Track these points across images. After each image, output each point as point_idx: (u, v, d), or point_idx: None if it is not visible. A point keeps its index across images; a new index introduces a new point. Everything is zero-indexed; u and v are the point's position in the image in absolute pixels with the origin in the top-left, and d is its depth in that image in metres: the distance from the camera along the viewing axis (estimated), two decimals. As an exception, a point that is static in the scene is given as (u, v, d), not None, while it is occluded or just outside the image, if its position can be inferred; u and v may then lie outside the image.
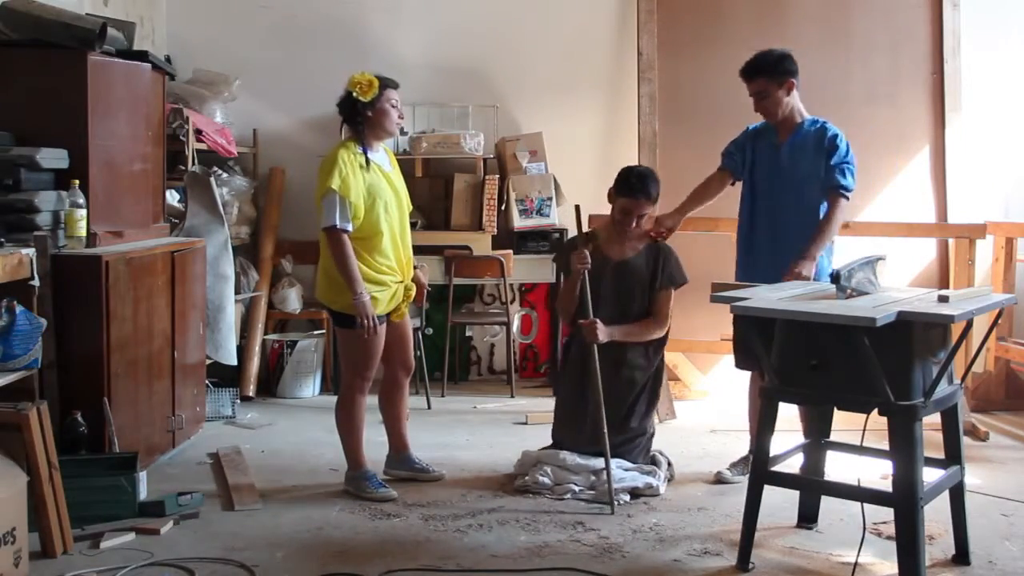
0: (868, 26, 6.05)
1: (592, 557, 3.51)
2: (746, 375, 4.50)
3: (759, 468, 3.45)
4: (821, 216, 4.24)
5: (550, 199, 6.06)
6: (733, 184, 4.50)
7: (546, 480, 4.18)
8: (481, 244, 6.01)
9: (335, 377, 5.94)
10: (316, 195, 4.00)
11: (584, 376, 4.30)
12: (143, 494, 3.93)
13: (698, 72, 6.04)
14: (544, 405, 5.54)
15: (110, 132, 4.28)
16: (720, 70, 5.97)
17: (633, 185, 4.28)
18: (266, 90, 6.29)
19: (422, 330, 5.82)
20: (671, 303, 4.40)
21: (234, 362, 5.43)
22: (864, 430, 3.29)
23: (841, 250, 4.43)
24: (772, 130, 4.37)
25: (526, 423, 5.37)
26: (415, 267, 4.29)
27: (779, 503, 3.82)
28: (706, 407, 5.72)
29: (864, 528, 3.31)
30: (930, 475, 3.33)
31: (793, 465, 3.87)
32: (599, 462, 4.20)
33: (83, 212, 4.03)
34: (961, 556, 3.49)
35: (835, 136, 4.25)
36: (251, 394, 5.83)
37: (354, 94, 4.01)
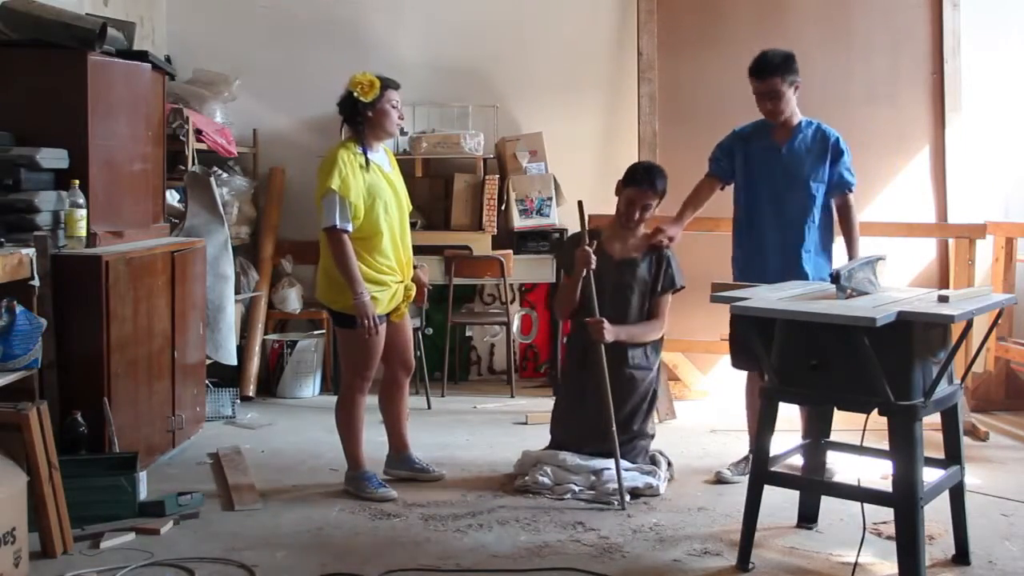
0: (868, 26, 6.04)
1: (592, 557, 3.51)
2: (745, 375, 4.51)
3: (759, 468, 3.45)
4: (820, 212, 4.32)
5: (550, 199, 6.06)
6: (723, 188, 4.50)
7: (546, 480, 4.19)
8: (481, 244, 6.01)
9: (335, 377, 5.94)
10: (316, 195, 4.00)
11: (584, 376, 4.30)
12: (143, 494, 3.93)
13: (698, 72, 6.04)
14: (544, 405, 5.53)
15: (110, 132, 4.28)
16: (720, 70, 5.99)
17: (640, 176, 4.33)
18: (266, 90, 6.29)
19: (422, 330, 5.82)
20: (669, 304, 4.43)
21: (234, 362, 5.43)
22: (864, 430, 3.29)
23: (841, 250, 4.43)
24: (766, 131, 4.37)
25: (526, 423, 5.37)
26: (415, 267, 4.29)
27: (779, 503, 3.82)
28: (706, 407, 5.72)
29: (864, 528, 3.31)
30: (930, 475, 3.33)
31: (793, 465, 3.88)
32: (599, 462, 4.20)
33: (83, 212, 4.02)
34: (961, 556, 3.49)
35: (838, 139, 4.35)
36: (251, 394, 5.83)
37: (355, 94, 4.01)
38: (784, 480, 3.59)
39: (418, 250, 4.54)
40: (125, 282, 4.10)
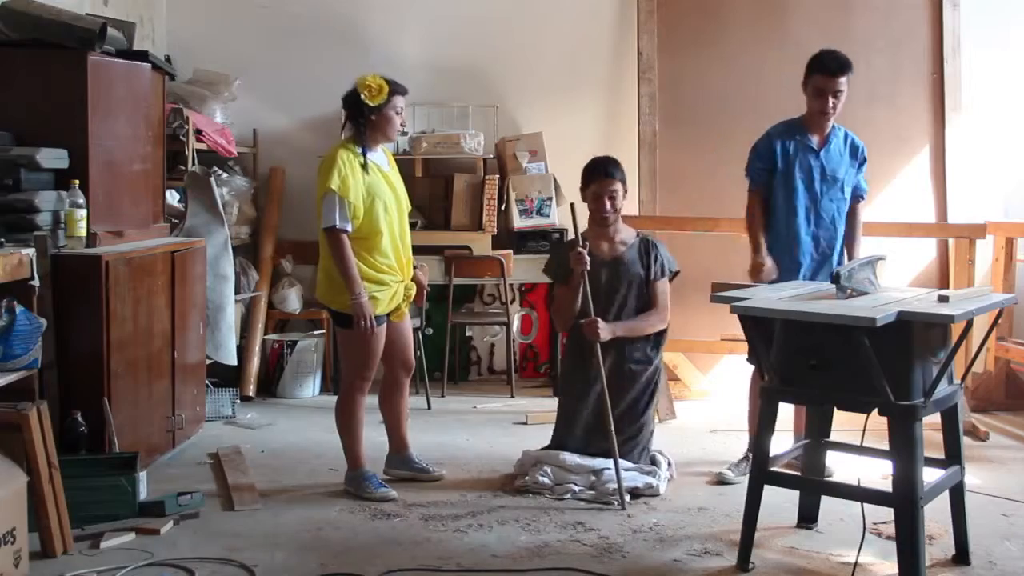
0: (868, 26, 6.04)
1: (592, 557, 3.52)
2: (746, 374, 4.51)
3: (759, 468, 3.45)
4: (845, 212, 4.42)
5: (550, 199, 6.06)
6: (758, 191, 4.44)
7: (546, 480, 4.19)
8: (481, 244, 6.01)
9: (335, 377, 5.94)
10: (316, 195, 4.00)
11: (583, 376, 4.30)
12: (143, 494, 3.93)
13: (698, 72, 6.04)
14: (544, 405, 5.54)
15: (110, 132, 4.28)
16: (720, 70, 5.99)
17: (594, 169, 4.34)
18: (266, 90, 6.29)
19: (422, 330, 5.82)
20: (668, 292, 4.42)
21: (234, 362, 5.43)
22: (864, 430, 3.29)
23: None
24: (802, 131, 4.39)
25: (526, 423, 5.37)
26: (415, 267, 4.29)
27: (779, 503, 3.82)
28: (706, 407, 5.72)
29: (864, 528, 3.31)
30: (930, 475, 3.33)
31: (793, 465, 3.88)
32: (599, 462, 4.20)
33: (83, 212, 4.02)
34: (961, 556, 3.49)
35: (864, 148, 4.48)
36: (251, 394, 5.83)
37: (362, 96, 3.99)
38: (784, 480, 3.59)
39: (418, 250, 4.54)
40: (125, 282, 4.10)
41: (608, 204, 4.30)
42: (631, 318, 4.35)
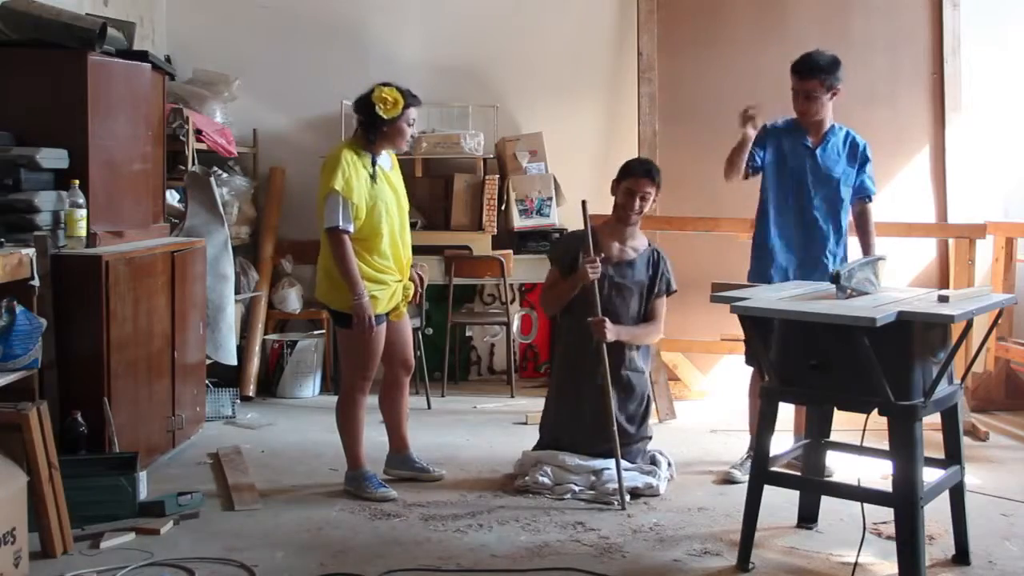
0: (868, 26, 6.04)
1: (592, 557, 3.52)
2: (746, 374, 4.51)
3: (759, 468, 3.45)
4: (847, 215, 4.42)
5: (550, 199, 6.06)
6: (747, 178, 4.46)
7: (546, 480, 4.19)
8: (481, 244, 6.01)
9: (335, 377, 5.94)
10: (318, 195, 4.00)
11: (578, 376, 4.30)
12: (143, 494, 3.93)
13: (698, 72, 6.04)
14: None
15: (110, 132, 4.28)
16: (720, 70, 5.99)
17: (637, 167, 4.36)
18: (266, 90, 6.29)
19: (422, 330, 5.83)
20: (664, 309, 4.44)
21: (234, 362, 5.43)
22: (864, 430, 3.29)
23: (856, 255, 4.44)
24: (801, 129, 4.41)
25: (526, 423, 5.36)
26: (413, 266, 4.30)
27: (779, 503, 3.82)
28: (706, 407, 5.72)
29: (864, 528, 3.31)
30: (930, 475, 3.33)
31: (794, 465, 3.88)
32: (599, 462, 4.20)
33: (83, 212, 4.02)
34: (961, 556, 3.49)
35: (866, 147, 4.45)
36: (251, 394, 5.83)
37: (377, 109, 3.99)
38: (784, 480, 3.59)
39: (418, 250, 4.54)
40: (125, 282, 4.10)
41: (637, 203, 4.30)
42: (633, 323, 4.35)
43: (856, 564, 3.31)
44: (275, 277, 6.24)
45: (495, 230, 6.03)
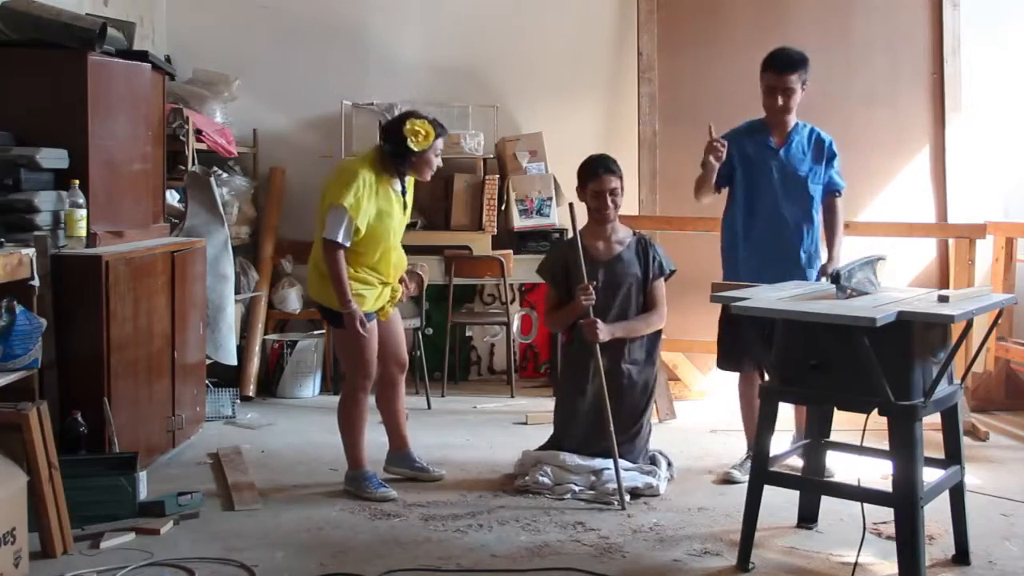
0: (868, 26, 6.04)
1: (592, 557, 3.51)
2: (739, 376, 4.49)
3: (759, 468, 3.45)
4: (817, 213, 4.38)
5: (550, 199, 6.06)
6: (718, 192, 4.47)
7: (546, 480, 4.19)
8: (481, 244, 6.01)
9: (335, 377, 5.95)
10: (324, 199, 4.00)
11: (582, 376, 4.30)
12: (143, 494, 3.93)
13: (698, 72, 6.04)
14: (544, 405, 5.53)
15: (110, 132, 4.28)
16: (720, 70, 5.99)
17: (594, 167, 4.32)
18: (266, 90, 6.29)
19: (422, 330, 5.83)
20: (664, 291, 4.42)
21: (234, 362, 5.43)
22: (864, 430, 3.29)
23: (843, 251, 4.43)
24: (763, 130, 4.38)
25: (526, 423, 5.36)
26: (411, 266, 4.31)
27: (779, 503, 3.82)
28: (706, 407, 5.72)
29: (864, 528, 3.31)
30: (930, 475, 3.33)
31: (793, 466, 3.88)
32: (599, 462, 4.20)
33: (83, 212, 4.02)
34: (961, 556, 3.49)
35: (832, 143, 4.41)
36: (251, 394, 5.83)
37: (409, 142, 3.99)
38: (784, 480, 3.59)
39: (418, 250, 4.55)
40: (125, 282, 4.10)
41: (609, 201, 4.29)
42: (631, 318, 4.35)
43: (856, 564, 3.30)
44: (275, 277, 6.24)
45: (495, 230, 6.03)
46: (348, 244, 3.97)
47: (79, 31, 4.09)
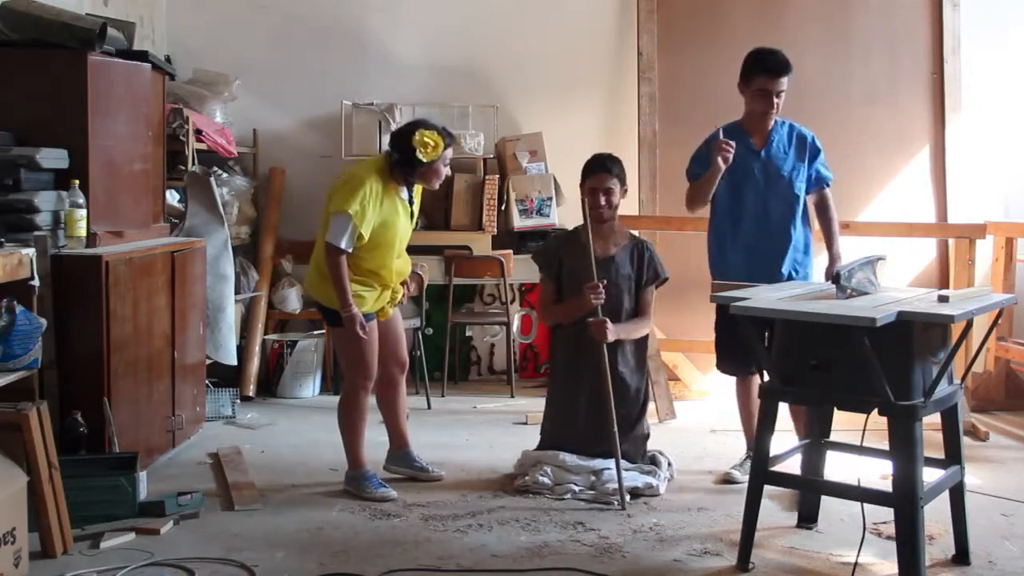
0: (868, 26, 6.05)
1: (592, 557, 3.51)
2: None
3: (759, 468, 3.45)
4: (803, 209, 4.35)
5: (550, 199, 6.06)
6: (707, 203, 4.43)
7: (546, 480, 4.18)
8: (481, 244, 6.01)
9: (335, 377, 5.95)
10: (329, 203, 4.00)
11: (577, 377, 4.30)
12: (143, 494, 3.93)
13: (698, 72, 6.04)
14: (544, 405, 5.54)
15: (110, 132, 4.28)
16: (720, 70, 5.96)
17: (591, 165, 4.34)
18: (266, 90, 6.29)
19: (422, 330, 5.82)
20: (653, 299, 4.43)
21: (234, 362, 5.43)
22: (864, 430, 3.28)
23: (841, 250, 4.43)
24: (742, 133, 4.33)
25: (526, 423, 5.37)
26: (412, 266, 4.31)
27: (779, 503, 3.82)
28: (706, 407, 5.72)
29: (864, 528, 3.31)
30: (930, 475, 3.33)
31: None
32: (599, 462, 4.20)
33: (83, 212, 4.02)
34: (961, 556, 3.49)
35: (814, 138, 4.38)
36: (251, 394, 5.83)
37: (418, 154, 3.99)
38: (784, 480, 3.59)
39: (418, 250, 4.56)
40: (125, 282, 4.10)
41: (603, 199, 4.29)
42: (627, 319, 4.34)
43: (856, 564, 3.30)
44: (275, 277, 6.24)
45: (495, 230, 6.03)
46: (350, 250, 3.97)
47: (79, 31, 4.09)
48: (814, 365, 3.25)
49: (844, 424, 3.78)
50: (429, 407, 5.69)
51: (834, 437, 3.80)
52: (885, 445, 3.31)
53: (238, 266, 5.74)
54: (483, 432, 5.21)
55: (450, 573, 3.39)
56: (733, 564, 3.45)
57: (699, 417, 5.52)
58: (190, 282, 4.75)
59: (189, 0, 6.29)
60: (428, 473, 4.37)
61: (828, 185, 4.41)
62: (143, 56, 4.64)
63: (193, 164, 5.40)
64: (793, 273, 4.31)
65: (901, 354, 3.15)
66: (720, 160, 4.20)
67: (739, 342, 3.94)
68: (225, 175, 5.89)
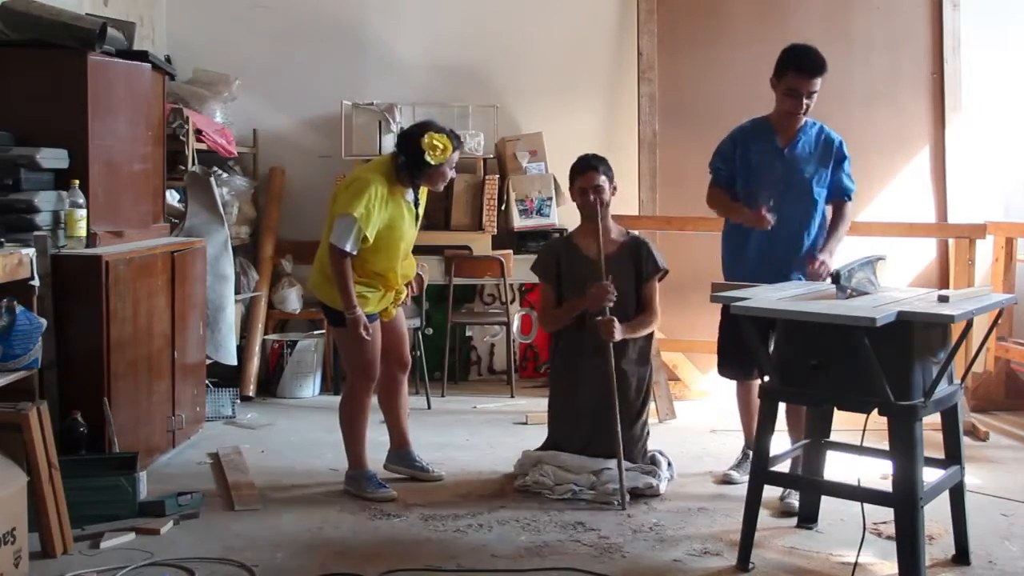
0: (868, 26, 6.05)
1: (592, 557, 3.51)
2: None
3: (759, 468, 3.45)
4: (821, 217, 4.25)
5: (550, 199, 6.06)
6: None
7: (546, 480, 4.18)
8: (481, 244, 6.01)
9: (335, 377, 5.95)
10: (334, 205, 4.01)
11: (578, 377, 4.30)
12: (143, 494, 3.93)
13: (698, 72, 6.04)
14: (544, 405, 5.50)
15: (110, 132, 4.28)
16: (720, 70, 6.00)
17: (578, 166, 4.34)
18: (266, 90, 6.29)
19: (422, 330, 5.82)
20: (657, 291, 4.40)
21: (234, 362, 5.43)
22: (864, 430, 3.28)
23: (841, 250, 4.42)
24: (768, 130, 4.25)
25: (526, 423, 5.37)
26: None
27: (769, 512, 3.82)
28: (706, 407, 5.72)
29: (864, 528, 3.31)
30: (930, 475, 3.33)
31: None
32: (599, 462, 4.20)
33: (83, 212, 4.02)
34: (961, 556, 3.49)
35: (841, 143, 4.25)
36: (251, 394, 5.83)
37: (426, 156, 3.99)
38: (784, 480, 3.59)
39: (418, 250, 4.53)
40: (125, 282, 4.10)
41: (593, 197, 4.29)
42: (632, 317, 4.33)
43: (856, 564, 3.30)
44: (275, 277, 6.24)
45: (495, 230, 6.03)
46: (355, 253, 3.97)
47: (79, 31, 4.09)
48: (814, 365, 3.25)
49: (844, 424, 3.78)
50: (429, 407, 5.70)
51: (834, 437, 3.80)
52: (885, 445, 3.31)
53: (238, 266, 5.74)
54: (483, 432, 5.21)
55: (450, 573, 3.39)
56: (733, 564, 3.45)
57: (699, 417, 5.52)
58: (190, 282, 4.75)
59: (189, 0, 6.29)
60: (428, 473, 4.37)
61: (848, 197, 4.27)
62: (143, 56, 4.64)
63: (193, 164, 5.40)
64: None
65: (901, 354, 3.15)
66: (753, 225, 4.13)
67: (743, 346, 3.86)
68: (225, 175, 5.89)
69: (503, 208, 6.08)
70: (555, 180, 6.08)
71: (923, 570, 3.16)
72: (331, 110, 6.19)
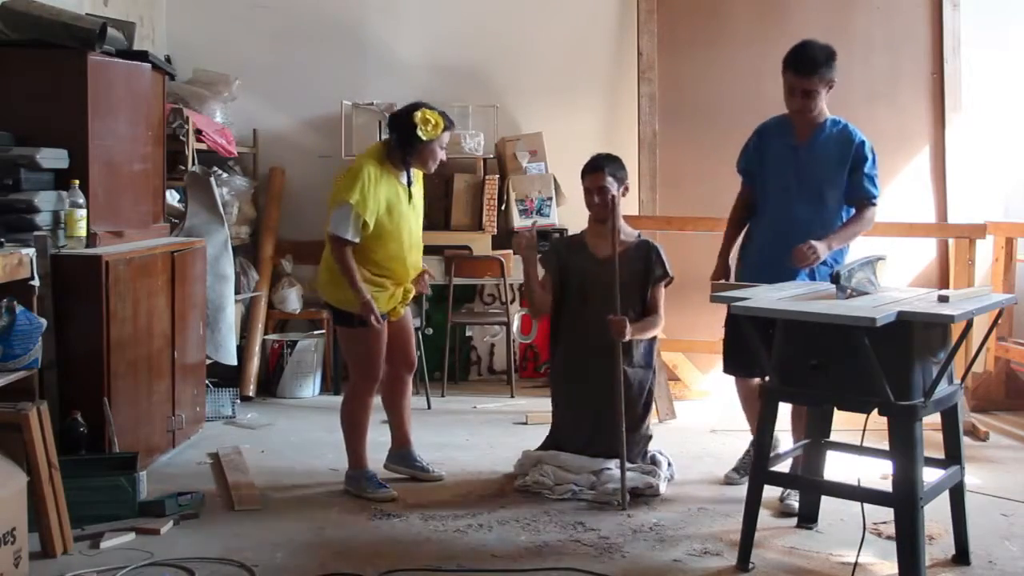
0: (868, 26, 6.05)
1: (592, 557, 3.51)
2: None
3: (759, 468, 3.45)
4: (832, 219, 4.08)
5: (550, 199, 6.06)
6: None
7: (546, 480, 4.18)
8: (481, 244, 6.01)
9: (335, 377, 5.95)
10: (331, 198, 4.00)
11: (579, 377, 4.30)
12: (143, 494, 3.93)
13: (698, 72, 6.04)
14: (544, 405, 5.50)
15: (110, 132, 4.28)
16: (720, 70, 5.99)
17: (586, 166, 4.35)
18: (266, 90, 6.29)
19: (422, 330, 5.82)
20: (663, 297, 4.40)
21: (234, 362, 5.43)
22: (864, 430, 3.28)
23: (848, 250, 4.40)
24: (788, 127, 4.14)
25: (526, 423, 5.37)
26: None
27: (770, 511, 3.82)
28: (706, 407, 5.72)
29: (864, 528, 3.31)
30: (930, 475, 3.33)
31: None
32: (599, 462, 4.20)
33: (83, 212, 4.03)
34: (961, 556, 3.49)
35: (862, 144, 4.08)
36: (251, 394, 5.83)
37: (418, 131, 3.99)
38: (784, 480, 3.59)
39: (419, 250, 4.54)
40: (125, 282, 4.10)
41: (599, 198, 4.29)
42: (636, 317, 4.32)
43: (856, 564, 3.30)
44: (275, 277, 6.24)
45: (495, 230, 6.03)
46: (356, 240, 3.96)
47: (79, 31, 4.09)
48: (814, 365, 3.25)
49: (844, 424, 3.77)
50: (429, 407, 5.69)
51: (834, 437, 3.80)
52: (885, 445, 3.31)
53: (238, 266, 5.74)
54: (483, 432, 5.21)
55: (450, 573, 3.39)
56: (733, 564, 3.45)
57: (699, 417, 5.52)
58: (190, 282, 4.75)
59: (189, 0, 6.29)
60: (428, 473, 4.37)
61: (871, 203, 4.06)
62: (143, 56, 4.64)
63: (193, 164, 5.40)
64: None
65: (901, 354, 3.15)
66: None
67: (748, 343, 3.79)
68: (225, 175, 5.89)
69: (503, 208, 6.08)
70: (555, 180, 6.08)
71: (923, 570, 3.16)
72: (331, 110, 6.19)
